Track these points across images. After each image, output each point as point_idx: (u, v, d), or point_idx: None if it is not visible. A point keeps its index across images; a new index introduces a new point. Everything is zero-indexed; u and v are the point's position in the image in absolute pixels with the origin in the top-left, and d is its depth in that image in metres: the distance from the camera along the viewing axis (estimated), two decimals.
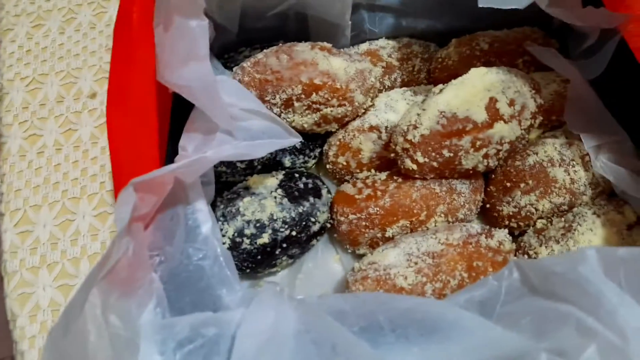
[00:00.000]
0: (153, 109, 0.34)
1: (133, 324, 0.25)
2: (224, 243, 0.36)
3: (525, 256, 0.36)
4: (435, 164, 0.37)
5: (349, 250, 0.41)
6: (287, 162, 0.42)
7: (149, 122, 0.34)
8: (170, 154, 0.36)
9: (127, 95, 0.38)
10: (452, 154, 0.36)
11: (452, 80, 0.37)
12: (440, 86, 0.38)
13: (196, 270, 0.31)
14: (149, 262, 0.29)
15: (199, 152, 0.31)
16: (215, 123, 0.33)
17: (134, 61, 0.38)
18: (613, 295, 0.26)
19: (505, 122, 0.36)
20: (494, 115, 0.36)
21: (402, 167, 0.38)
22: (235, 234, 0.37)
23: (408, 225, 0.38)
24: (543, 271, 0.28)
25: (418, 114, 0.36)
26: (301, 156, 0.43)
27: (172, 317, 0.28)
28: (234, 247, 0.37)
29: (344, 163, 0.42)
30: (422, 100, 0.38)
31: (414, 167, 0.37)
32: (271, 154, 0.42)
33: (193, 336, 0.26)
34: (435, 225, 0.38)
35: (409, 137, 0.36)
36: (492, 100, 0.36)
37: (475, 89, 0.36)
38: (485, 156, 0.37)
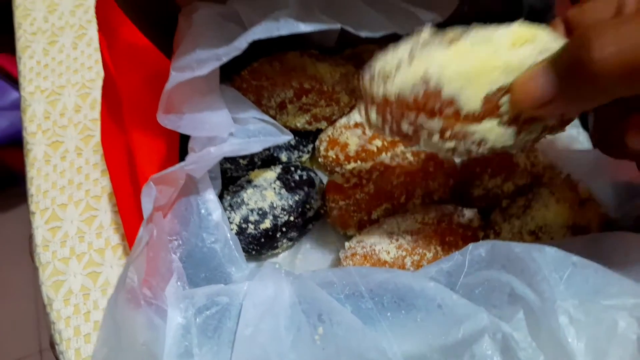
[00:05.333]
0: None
1: (160, 294, 0.31)
2: (231, 229, 0.42)
3: (492, 231, 0.42)
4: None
5: (341, 233, 0.47)
6: (283, 157, 0.48)
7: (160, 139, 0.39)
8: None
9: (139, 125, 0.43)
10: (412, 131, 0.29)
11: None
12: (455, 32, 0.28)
13: (209, 252, 0.37)
14: (169, 245, 0.35)
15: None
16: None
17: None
18: (547, 271, 0.31)
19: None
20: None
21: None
22: (241, 221, 0.42)
23: (390, 207, 0.43)
24: (503, 251, 0.33)
25: (399, 64, 0.28)
26: (296, 152, 0.49)
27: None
28: (241, 232, 0.42)
29: (334, 156, 0.48)
30: (424, 42, 0.28)
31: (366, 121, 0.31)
32: (269, 150, 0.48)
33: (209, 304, 0.32)
34: (414, 207, 0.44)
35: (374, 87, 0.29)
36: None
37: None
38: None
